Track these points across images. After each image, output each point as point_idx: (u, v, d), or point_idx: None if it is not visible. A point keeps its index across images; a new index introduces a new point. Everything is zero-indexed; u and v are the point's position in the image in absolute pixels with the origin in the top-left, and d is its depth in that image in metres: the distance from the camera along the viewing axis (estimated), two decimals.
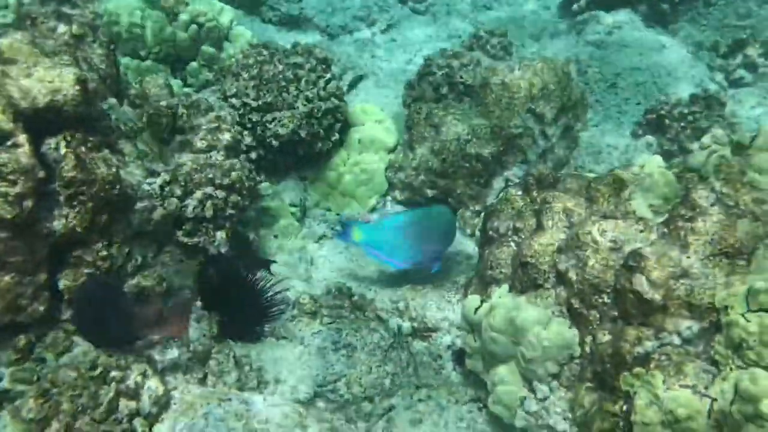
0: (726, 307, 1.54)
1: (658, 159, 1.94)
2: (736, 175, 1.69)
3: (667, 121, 3.13)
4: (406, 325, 2.35)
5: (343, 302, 2.30)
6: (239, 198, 2.22)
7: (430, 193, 2.94)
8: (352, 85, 3.78)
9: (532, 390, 1.88)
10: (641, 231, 1.76)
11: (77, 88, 1.80)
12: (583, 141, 3.26)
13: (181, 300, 2.02)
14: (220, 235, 2.19)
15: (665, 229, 1.72)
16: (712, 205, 1.67)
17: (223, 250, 2.19)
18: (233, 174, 2.20)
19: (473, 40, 3.73)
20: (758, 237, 1.61)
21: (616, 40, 4.01)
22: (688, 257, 1.64)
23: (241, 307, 2.17)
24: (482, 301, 2.03)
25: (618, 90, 3.75)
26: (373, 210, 3.04)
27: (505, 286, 2.01)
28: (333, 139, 2.95)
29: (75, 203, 1.75)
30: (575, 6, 4.29)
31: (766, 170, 1.68)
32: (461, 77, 3.22)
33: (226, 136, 2.25)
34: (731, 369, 1.50)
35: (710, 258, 1.63)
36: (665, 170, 1.81)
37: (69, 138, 1.77)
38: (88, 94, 1.85)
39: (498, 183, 2.90)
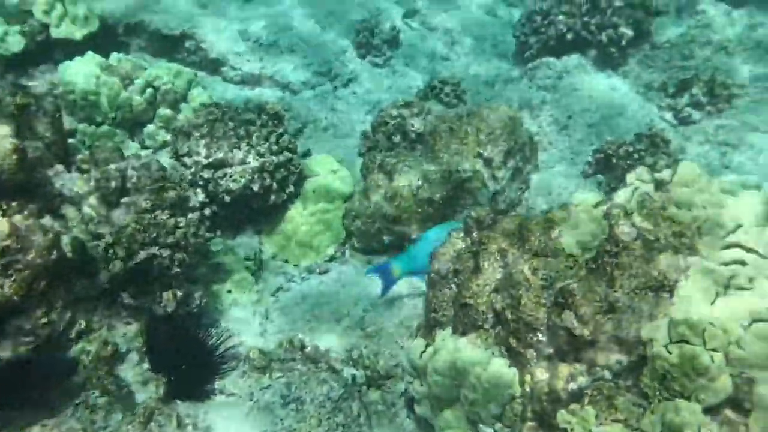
0: (651, 340, 1.57)
1: (589, 197, 1.99)
2: (657, 210, 1.74)
3: (614, 160, 3.21)
4: (360, 374, 2.35)
5: (294, 355, 2.30)
6: (185, 256, 2.24)
7: (386, 239, 2.98)
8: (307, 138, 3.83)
9: None
10: (570, 268, 1.80)
11: (14, 157, 1.84)
12: (534, 182, 3.34)
13: None
14: (167, 295, 2.20)
15: (593, 265, 1.76)
16: (635, 239, 1.72)
17: (170, 310, 2.20)
18: (178, 232, 2.22)
19: (428, 90, 3.84)
20: (680, 270, 1.65)
21: (567, 84, 4.14)
22: (615, 292, 1.67)
23: (190, 366, 2.16)
24: (427, 345, 2.04)
25: (570, 132, 3.85)
26: (332, 259, 3.06)
27: (449, 329, 2.03)
28: (287, 191, 2.99)
29: (10, 272, 1.76)
30: (527, 53, 4.45)
31: (684, 204, 1.73)
32: (412, 125, 3.31)
33: (171, 195, 2.29)
34: (659, 401, 1.52)
35: (635, 292, 1.66)
36: (591, 207, 1.86)
37: (5, 207, 1.80)
38: (26, 163, 1.89)
39: None
